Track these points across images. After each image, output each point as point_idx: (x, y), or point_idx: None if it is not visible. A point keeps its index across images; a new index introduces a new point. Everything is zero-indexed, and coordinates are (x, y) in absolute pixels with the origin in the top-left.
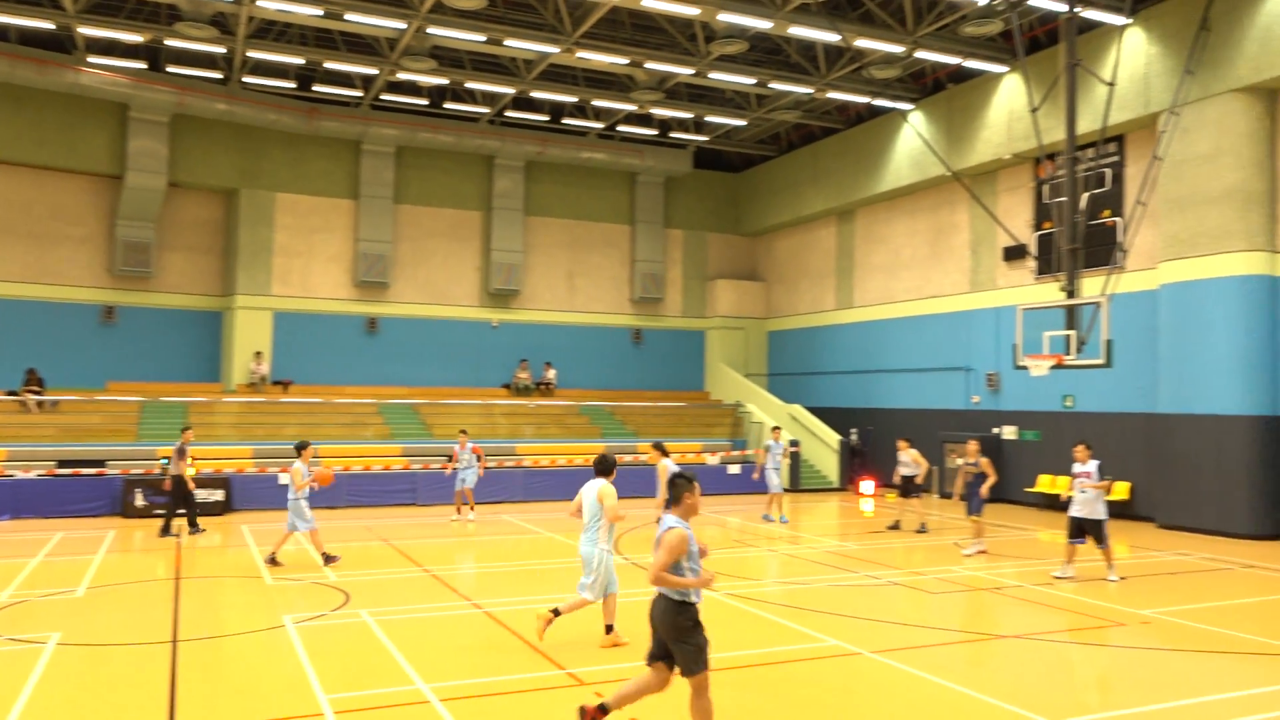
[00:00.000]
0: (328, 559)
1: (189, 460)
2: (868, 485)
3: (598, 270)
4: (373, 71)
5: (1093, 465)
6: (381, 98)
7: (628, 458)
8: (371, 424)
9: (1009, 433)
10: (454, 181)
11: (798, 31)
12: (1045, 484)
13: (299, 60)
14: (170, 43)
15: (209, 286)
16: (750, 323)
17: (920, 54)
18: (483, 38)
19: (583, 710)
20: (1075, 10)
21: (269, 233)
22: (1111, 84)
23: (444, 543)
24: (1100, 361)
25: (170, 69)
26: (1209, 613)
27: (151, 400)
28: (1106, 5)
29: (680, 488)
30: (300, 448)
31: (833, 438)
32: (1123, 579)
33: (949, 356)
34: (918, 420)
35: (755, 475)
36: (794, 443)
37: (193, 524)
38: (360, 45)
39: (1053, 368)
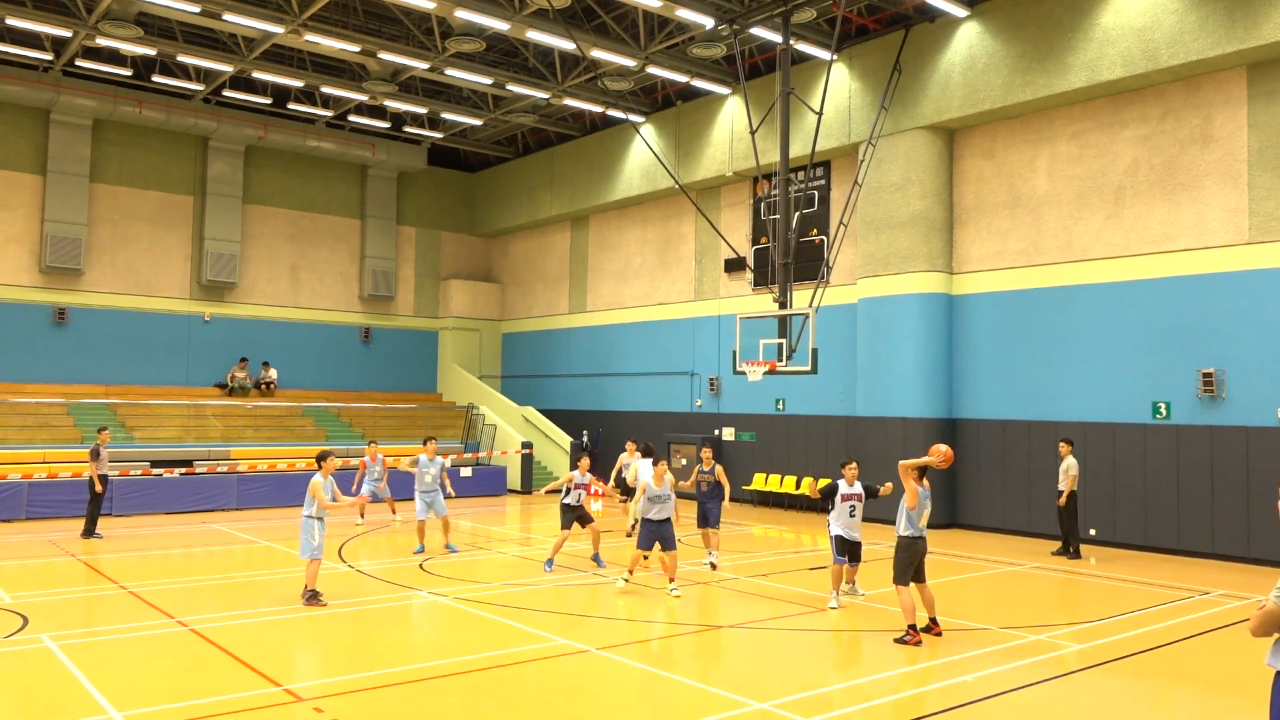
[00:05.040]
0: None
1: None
2: (596, 487)
3: (324, 265)
4: (66, 34)
5: (859, 487)
6: (78, 64)
7: (354, 460)
8: (58, 425)
9: (728, 434)
10: (162, 162)
11: (535, 36)
12: (759, 482)
13: None
14: None
15: None
16: (484, 324)
17: (652, 70)
18: (196, 9)
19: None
20: (789, 43)
21: None
22: (819, 113)
23: (143, 556)
24: (807, 368)
25: None
26: (893, 596)
27: None
28: (816, 41)
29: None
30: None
31: (564, 439)
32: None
33: (675, 361)
34: (645, 422)
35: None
36: (526, 444)
37: None
38: (51, 2)
39: (767, 373)
